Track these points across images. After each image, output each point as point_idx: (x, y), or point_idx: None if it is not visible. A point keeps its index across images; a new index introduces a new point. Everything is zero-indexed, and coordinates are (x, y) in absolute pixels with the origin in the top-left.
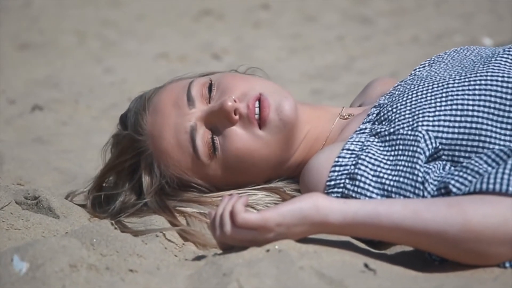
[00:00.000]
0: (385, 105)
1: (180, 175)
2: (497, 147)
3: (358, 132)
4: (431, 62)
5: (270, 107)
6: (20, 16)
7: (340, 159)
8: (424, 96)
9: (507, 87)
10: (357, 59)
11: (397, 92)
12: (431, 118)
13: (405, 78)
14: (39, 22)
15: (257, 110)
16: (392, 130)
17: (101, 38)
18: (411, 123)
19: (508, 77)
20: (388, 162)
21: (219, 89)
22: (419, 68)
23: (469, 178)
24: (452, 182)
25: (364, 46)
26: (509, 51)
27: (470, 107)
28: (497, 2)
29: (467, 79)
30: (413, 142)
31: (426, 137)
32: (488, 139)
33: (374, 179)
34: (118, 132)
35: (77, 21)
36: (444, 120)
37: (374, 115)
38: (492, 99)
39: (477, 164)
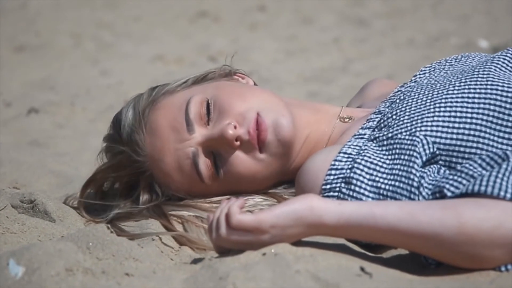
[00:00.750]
0: (386, 113)
1: (181, 194)
2: None
3: (357, 136)
4: (432, 69)
5: (267, 129)
6: (16, 18)
7: (336, 163)
8: (423, 102)
9: (506, 96)
10: (353, 61)
11: (397, 100)
12: (429, 123)
13: (405, 83)
14: (36, 24)
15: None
16: (390, 135)
17: (97, 40)
18: (409, 128)
19: (508, 85)
20: (384, 166)
21: (216, 108)
22: (419, 74)
23: (464, 182)
24: (447, 186)
25: (360, 48)
26: (508, 55)
27: (469, 114)
28: (493, 4)
29: (466, 86)
30: (410, 147)
31: (424, 141)
32: (485, 146)
33: (369, 183)
34: (113, 142)
35: (73, 23)
36: (443, 126)
37: (375, 122)
38: (491, 107)
39: (471, 167)
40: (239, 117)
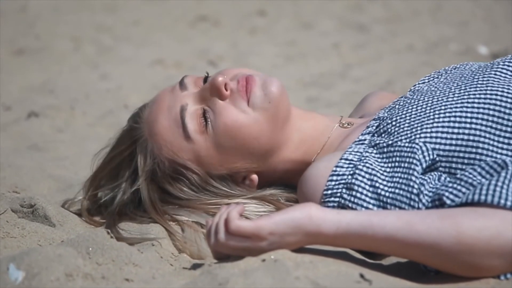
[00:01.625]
0: (385, 118)
1: (172, 157)
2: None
3: (357, 142)
4: (431, 78)
5: (255, 82)
6: (16, 21)
7: (338, 169)
8: (423, 109)
9: (506, 101)
10: (352, 66)
11: (397, 106)
12: (429, 130)
13: (405, 94)
14: (35, 27)
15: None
16: (390, 142)
17: (97, 44)
18: (409, 135)
19: (508, 91)
20: (385, 173)
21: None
22: (418, 83)
23: (463, 190)
24: (446, 194)
25: (359, 53)
26: (508, 62)
27: (468, 119)
28: (493, 10)
29: (466, 92)
30: (409, 154)
31: (424, 148)
32: (485, 152)
33: (370, 189)
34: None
35: (73, 26)
36: (442, 132)
37: (374, 127)
38: (491, 112)
39: (471, 176)
40: (232, 77)
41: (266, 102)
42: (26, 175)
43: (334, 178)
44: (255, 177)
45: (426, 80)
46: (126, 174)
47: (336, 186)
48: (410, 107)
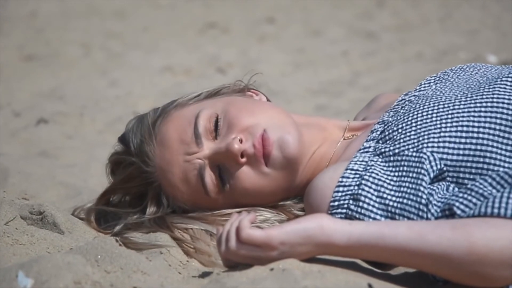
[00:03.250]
0: (390, 124)
1: (188, 206)
2: (501, 168)
3: (362, 151)
4: (437, 79)
5: (272, 145)
6: (25, 27)
7: (344, 179)
8: (429, 116)
9: None
10: (361, 74)
11: (401, 110)
12: (436, 139)
13: (409, 92)
14: (45, 33)
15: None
16: (397, 151)
17: (106, 50)
18: (416, 144)
19: None
20: (392, 183)
21: (225, 123)
22: (424, 84)
23: (474, 200)
24: (457, 204)
25: (368, 61)
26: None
27: (476, 129)
28: (502, 19)
29: (473, 101)
30: (417, 164)
31: (431, 158)
32: (493, 161)
33: (378, 200)
34: (123, 155)
35: (82, 32)
36: (449, 142)
37: (378, 132)
38: (498, 121)
39: (481, 186)
40: (246, 132)
41: (286, 163)
42: (36, 182)
43: (341, 189)
44: None
45: (432, 81)
46: (136, 207)
47: (343, 198)
48: (416, 113)
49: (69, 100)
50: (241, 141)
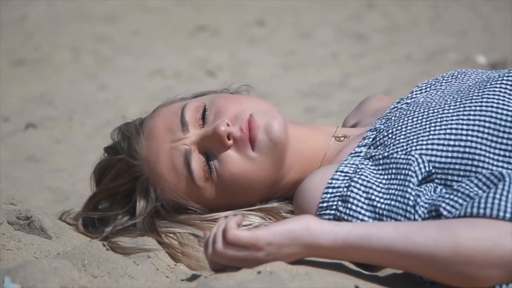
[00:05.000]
0: (382, 130)
1: (176, 198)
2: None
3: (353, 155)
4: (428, 85)
5: (258, 128)
6: (15, 31)
7: (333, 181)
8: (419, 121)
9: (501, 113)
10: (351, 76)
11: (393, 118)
12: (424, 142)
13: (402, 99)
14: (34, 38)
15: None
16: (386, 154)
17: (96, 54)
18: (405, 147)
19: (503, 103)
20: (381, 185)
21: (212, 112)
22: (416, 91)
23: (460, 201)
24: (443, 205)
25: (358, 63)
26: (507, 77)
27: (464, 132)
28: (492, 20)
29: (462, 105)
30: (405, 166)
31: (420, 160)
32: (481, 164)
33: (366, 201)
34: (111, 155)
35: (72, 37)
36: (438, 144)
37: (370, 139)
38: (487, 124)
39: (467, 187)
40: (233, 118)
41: (272, 146)
42: (23, 187)
43: (330, 190)
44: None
45: (424, 88)
46: (125, 207)
47: (332, 199)
48: (406, 119)
49: (58, 104)
50: (228, 124)
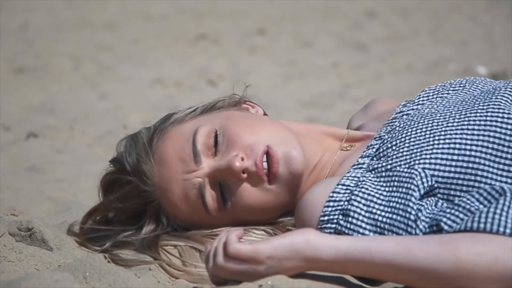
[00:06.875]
0: (386, 141)
1: (189, 224)
2: None
3: (355, 166)
4: (436, 92)
5: (279, 162)
6: (16, 39)
7: (335, 195)
8: (423, 134)
9: (506, 128)
10: (351, 86)
11: (397, 128)
12: (428, 156)
13: (408, 102)
14: (35, 46)
15: (265, 164)
16: (389, 166)
17: (97, 63)
18: (408, 160)
19: (508, 117)
20: (382, 198)
21: (224, 140)
22: (422, 97)
23: (461, 216)
24: (444, 219)
25: (359, 73)
26: (510, 89)
27: (468, 146)
28: (492, 31)
29: (466, 118)
30: (408, 179)
31: (422, 174)
32: (484, 179)
33: (367, 215)
34: (119, 173)
35: (73, 45)
36: (441, 158)
37: (374, 149)
38: (491, 139)
39: (468, 201)
40: (247, 149)
41: (291, 178)
42: (24, 197)
43: (331, 204)
44: None
45: (431, 94)
46: (132, 225)
47: (333, 213)
48: (410, 130)
49: (59, 113)
50: (242, 158)
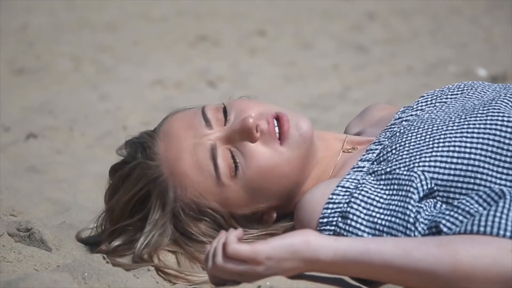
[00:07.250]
0: (386, 146)
1: (198, 198)
2: None
3: (355, 169)
4: (434, 97)
5: (289, 122)
6: (16, 40)
7: (334, 196)
8: (423, 138)
9: (506, 131)
10: (351, 88)
11: (397, 133)
12: (427, 159)
13: (406, 108)
14: (35, 47)
15: (276, 129)
16: (388, 169)
17: (97, 63)
18: (407, 163)
19: (508, 121)
20: (381, 201)
21: (232, 112)
22: (421, 102)
23: (460, 218)
24: (443, 221)
25: (359, 74)
26: (510, 94)
27: (468, 149)
28: (492, 33)
29: (466, 122)
30: (407, 182)
31: (422, 177)
32: (483, 182)
33: (366, 217)
34: (125, 165)
35: (73, 46)
36: (441, 161)
37: (374, 154)
38: (490, 142)
39: (468, 204)
40: (258, 114)
41: (301, 142)
42: (24, 198)
43: (330, 206)
44: (274, 214)
45: (429, 99)
46: (137, 215)
47: (332, 215)
48: (410, 134)
49: (59, 114)
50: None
